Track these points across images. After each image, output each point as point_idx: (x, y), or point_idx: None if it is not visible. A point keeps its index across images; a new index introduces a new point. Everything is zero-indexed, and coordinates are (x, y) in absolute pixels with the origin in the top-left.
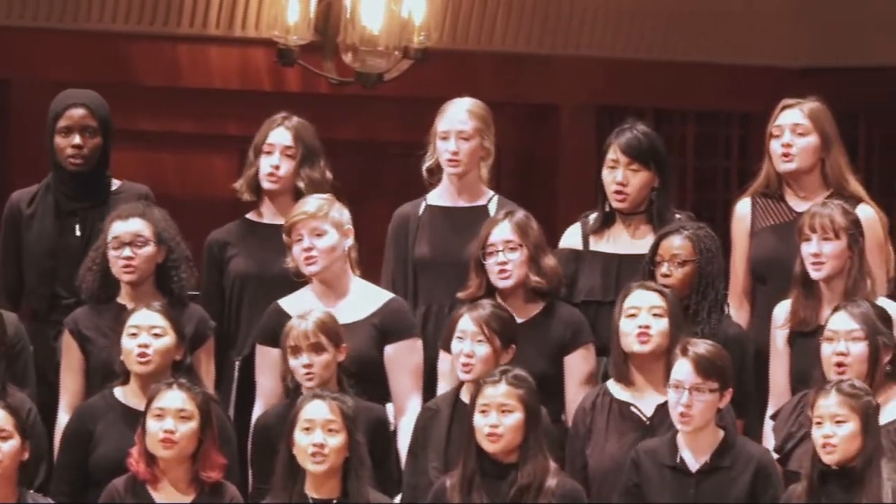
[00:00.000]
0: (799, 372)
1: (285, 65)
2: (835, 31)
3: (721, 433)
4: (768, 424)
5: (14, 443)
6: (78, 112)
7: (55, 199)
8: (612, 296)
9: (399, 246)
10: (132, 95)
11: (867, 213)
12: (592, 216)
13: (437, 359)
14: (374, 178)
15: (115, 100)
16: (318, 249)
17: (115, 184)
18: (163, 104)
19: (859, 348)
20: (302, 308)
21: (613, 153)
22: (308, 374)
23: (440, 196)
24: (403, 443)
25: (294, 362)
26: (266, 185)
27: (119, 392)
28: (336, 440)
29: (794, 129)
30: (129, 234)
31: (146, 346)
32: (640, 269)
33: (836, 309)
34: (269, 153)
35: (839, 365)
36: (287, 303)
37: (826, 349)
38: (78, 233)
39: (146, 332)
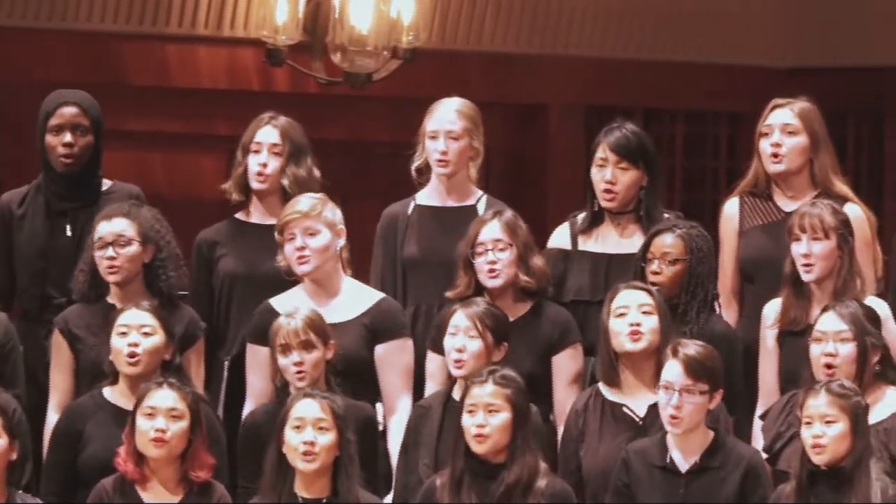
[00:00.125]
0: (788, 371)
1: (274, 65)
2: (822, 31)
3: (711, 434)
4: (757, 424)
5: (2, 443)
6: (70, 110)
7: (46, 200)
8: (600, 295)
9: (388, 245)
10: (120, 95)
11: (855, 211)
12: (581, 216)
13: (425, 359)
14: (362, 177)
15: (104, 99)
16: (310, 249)
17: (107, 184)
18: (151, 104)
19: (848, 349)
20: (293, 307)
21: (602, 152)
22: (299, 372)
23: (429, 196)
24: (393, 442)
25: (284, 361)
26: (255, 185)
27: (108, 392)
28: (326, 438)
29: (783, 129)
30: (112, 234)
31: (136, 344)
32: (631, 266)
33: (824, 309)
34: (256, 152)
35: (828, 366)
36: (278, 302)
37: (815, 350)
38: (69, 233)
39: (136, 330)
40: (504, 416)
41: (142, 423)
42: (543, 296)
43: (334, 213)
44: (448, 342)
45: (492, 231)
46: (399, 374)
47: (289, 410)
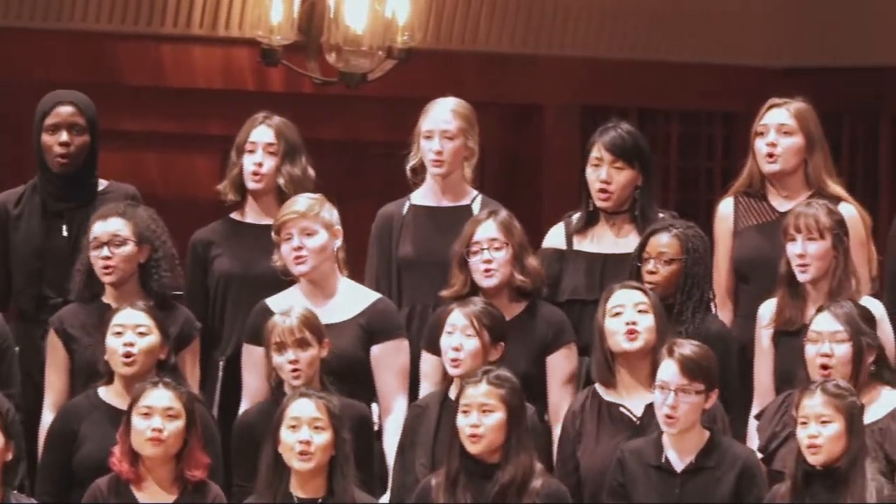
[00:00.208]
0: (783, 371)
1: (269, 65)
2: (818, 31)
3: (706, 434)
4: (752, 424)
5: None
6: (66, 109)
7: (42, 200)
8: (596, 295)
9: (383, 246)
10: (115, 95)
11: (849, 211)
12: (576, 216)
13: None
14: (357, 177)
15: (99, 99)
16: (307, 249)
17: (103, 184)
18: (146, 104)
19: (843, 349)
20: (288, 306)
21: (597, 151)
22: (294, 370)
23: (424, 196)
24: (389, 442)
25: (279, 359)
26: (250, 185)
27: (103, 392)
28: (322, 438)
29: (779, 129)
30: (107, 234)
31: (131, 344)
32: (626, 266)
33: (819, 310)
34: (251, 151)
35: (824, 367)
36: (274, 302)
37: (810, 350)
38: (65, 233)
39: (131, 330)
40: (498, 416)
41: (138, 422)
42: (538, 296)
43: (331, 213)
44: (445, 341)
45: (487, 230)
46: (395, 375)
47: (284, 410)
